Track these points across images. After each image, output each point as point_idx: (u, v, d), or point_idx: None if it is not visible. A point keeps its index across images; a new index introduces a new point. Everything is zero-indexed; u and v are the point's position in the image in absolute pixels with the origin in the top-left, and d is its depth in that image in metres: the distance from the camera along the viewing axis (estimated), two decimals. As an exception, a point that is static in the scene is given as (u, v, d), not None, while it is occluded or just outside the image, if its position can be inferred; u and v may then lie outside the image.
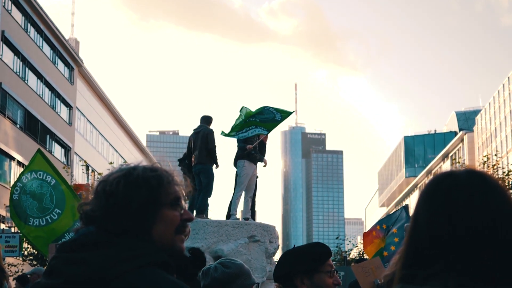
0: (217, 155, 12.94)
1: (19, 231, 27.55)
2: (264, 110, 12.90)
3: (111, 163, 30.02)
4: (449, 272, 1.45)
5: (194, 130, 13.27)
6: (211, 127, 13.30)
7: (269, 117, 12.93)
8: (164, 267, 1.84)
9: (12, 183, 37.68)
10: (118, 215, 1.86)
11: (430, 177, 1.65)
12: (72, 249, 1.84)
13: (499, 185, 1.54)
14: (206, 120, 13.34)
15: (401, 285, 1.52)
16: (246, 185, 12.69)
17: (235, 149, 13.02)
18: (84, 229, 1.90)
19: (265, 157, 13.19)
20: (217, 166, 13.03)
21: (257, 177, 13.13)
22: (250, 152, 12.69)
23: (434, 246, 1.49)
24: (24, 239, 26.77)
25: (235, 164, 12.93)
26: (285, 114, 13.11)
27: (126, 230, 1.86)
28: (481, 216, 1.47)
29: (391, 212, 15.82)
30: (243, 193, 12.79)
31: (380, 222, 12.17)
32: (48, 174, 10.66)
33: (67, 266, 1.79)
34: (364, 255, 20.55)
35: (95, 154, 55.94)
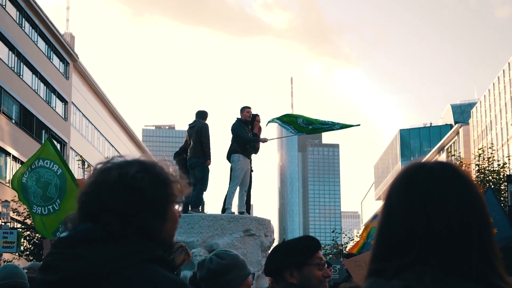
0: (210, 149, 12.96)
1: (16, 227, 27.55)
2: (327, 123, 13.16)
3: (106, 157, 29.98)
4: (423, 265, 1.43)
5: (189, 125, 13.32)
6: (206, 121, 13.35)
7: (325, 127, 13.19)
8: (159, 262, 1.84)
9: (8, 178, 37.63)
10: (140, 212, 1.85)
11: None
12: (69, 245, 1.83)
13: (471, 179, 1.53)
14: (201, 115, 13.37)
15: (374, 279, 1.48)
16: (241, 179, 12.73)
17: (229, 143, 13.08)
18: (81, 225, 1.87)
19: (261, 151, 13.28)
20: (208, 162, 12.97)
21: (251, 171, 13.19)
22: (245, 146, 12.75)
23: (409, 239, 1.46)
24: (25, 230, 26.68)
25: (228, 158, 12.98)
26: (345, 126, 13.32)
27: (141, 227, 1.84)
28: (456, 210, 1.46)
29: None
30: (238, 187, 12.84)
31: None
32: (56, 163, 10.59)
33: (64, 262, 1.79)
34: None
35: (91, 149, 55.84)
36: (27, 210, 23.95)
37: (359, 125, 13.62)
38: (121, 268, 1.76)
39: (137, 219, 1.84)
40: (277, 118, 13.57)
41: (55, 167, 10.53)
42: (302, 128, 13.30)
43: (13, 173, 10.93)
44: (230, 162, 12.95)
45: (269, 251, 4.07)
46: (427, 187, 1.49)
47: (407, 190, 1.51)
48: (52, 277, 1.79)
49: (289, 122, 13.45)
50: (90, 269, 1.75)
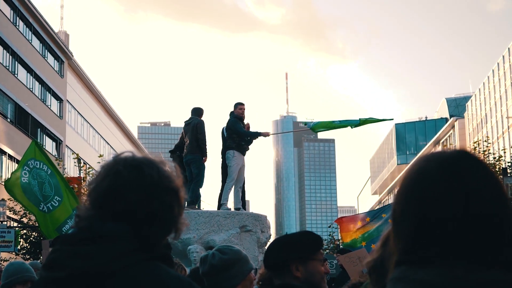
0: (206, 146, 12.99)
1: (13, 226, 27.48)
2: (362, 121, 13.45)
3: (101, 155, 29.94)
4: (454, 254, 1.41)
5: (185, 122, 13.35)
6: (202, 118, 13.38)
7: (358, 122, 13.46)
8: (163, 260, 1.85)
9: (3, 177, 37.55)
10: (176, 214, 1.88)
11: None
12: (73, 243, 1.82)
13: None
14: (197, 112, 13.39)
15: (405, 267, 1.44)
16: (237, 175, 12.75)
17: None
18: (85, 223, 1.85)
19: (256, 147, 13.38)
20: (205, 158, 13.00)
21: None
22: (240, 143, 12.78)
23: (441, 228, 1.43)
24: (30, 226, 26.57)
25: (223, 154, 13.00)
26: (379, 120, 13.73)
27: (169, 230, 1.87)
28: (494, 199, 1.45)
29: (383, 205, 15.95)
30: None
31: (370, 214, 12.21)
32: (44, 163, 10.79)
33: (69, 259, 1.77)
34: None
35: (87, 147, 55.77)
36: (23, 209, 23.91)
37: (392, 119, 13.97)
38: (126, 266, 1.76)
39: (171, 221, 1.87)
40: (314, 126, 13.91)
41: (45, 167, 10.75)
42: (335, 125, 13.59)
43: (9, 172, 11.11)
44: (224, 159, 12.98)
45: (267, 246, 4.06)
46: (466, 176, 1.45)
47: (446, 179, 1.46)
48: (56, 274, 1.78)
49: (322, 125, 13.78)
50: (96, 267, 1.75)
